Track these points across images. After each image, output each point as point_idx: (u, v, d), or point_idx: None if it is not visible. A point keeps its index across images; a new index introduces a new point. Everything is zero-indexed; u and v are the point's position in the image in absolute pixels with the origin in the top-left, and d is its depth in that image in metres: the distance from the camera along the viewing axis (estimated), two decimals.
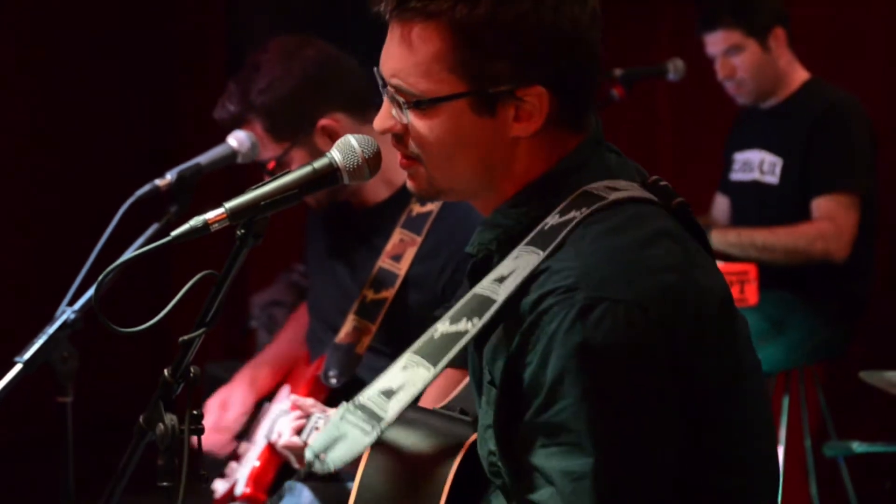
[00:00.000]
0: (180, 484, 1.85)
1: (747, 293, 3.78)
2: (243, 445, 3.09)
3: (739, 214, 4.51)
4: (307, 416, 2.75)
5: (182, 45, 6.07)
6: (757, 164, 4.39)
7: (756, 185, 4.39)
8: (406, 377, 1.77)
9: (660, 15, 5.29)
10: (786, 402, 4.29)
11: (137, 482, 2.07)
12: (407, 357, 1.79)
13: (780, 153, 4.32)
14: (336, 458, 1.76)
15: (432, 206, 2.99)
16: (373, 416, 1.76)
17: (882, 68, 4.85)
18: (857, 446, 3.80)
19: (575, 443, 1.71)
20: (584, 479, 1.70)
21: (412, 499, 1.91)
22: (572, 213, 1.79)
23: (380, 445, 1.97)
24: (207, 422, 3.00)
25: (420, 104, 1.83)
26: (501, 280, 1.77)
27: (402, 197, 3.00)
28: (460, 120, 1.83)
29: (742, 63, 4.33)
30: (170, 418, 1.88)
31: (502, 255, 1.83)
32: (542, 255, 1.76)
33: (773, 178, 4.33)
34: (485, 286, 1.79)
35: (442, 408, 2.18)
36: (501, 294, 1.76)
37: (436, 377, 1.77)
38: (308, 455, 1.79)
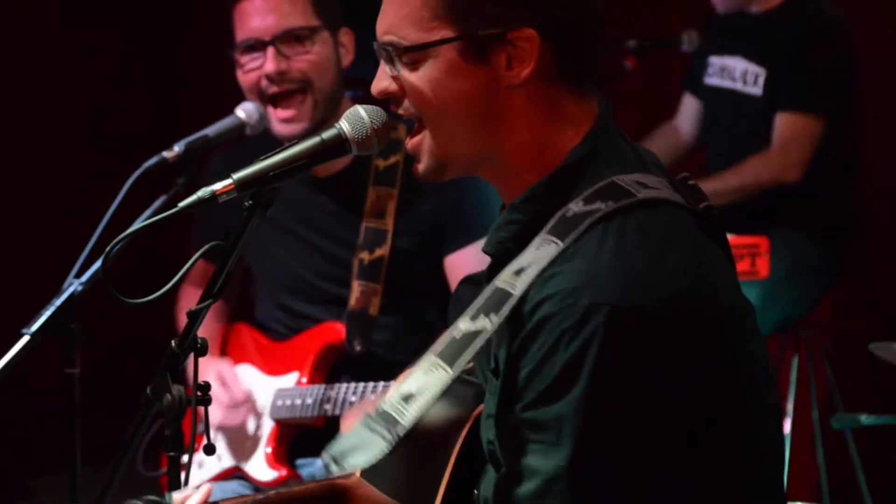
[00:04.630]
0: (189, 453, 1.85)
1: (759, 266, 3.77)
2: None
3: (712, 122, 4.46)
4: None
5: (189, 14, 6.06)
6: (739, 74, 4.33)
7: (734, 95, 4.33)
8: (426, 381, 1.77)
9: None
10: (793, 374, 4.29)
11: (144, 451, 2.07)
12: (429, 360, 1.79)
13: (764, 63, 4.26)
14: (354, 464, 1.78)
15: (397, 157, 3.00)
16: (391, 422, 1.76)
17: None
18: (865, 418, 3.80)
19: (555, 443, 1.70)
20: (559, 480, 1.70)
21: (421, 464, 1.91)
22: (597, 204, 1.76)
23: None
24: (221, 400, 3.03)
25: (410, 50, 1.82)
26: (520, 272, 1.76)
27: (363, 156, 2.99)
28: (452, 68, 1.81)
29: None
30: (177, 389, 1.88)
31: (521, 249, 1.80)
32: (560, 245, 1.74)
33: (755, 90, 4.27)
34: (504, 279, 1.77)
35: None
36: (519, 287, 1.75)
37: (454, 379, 1.76)
38: (325, 458, 1.80)
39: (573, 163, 1.82)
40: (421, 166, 1.89)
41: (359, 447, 1.77)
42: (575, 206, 1.77)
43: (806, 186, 4.17)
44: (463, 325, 1.78)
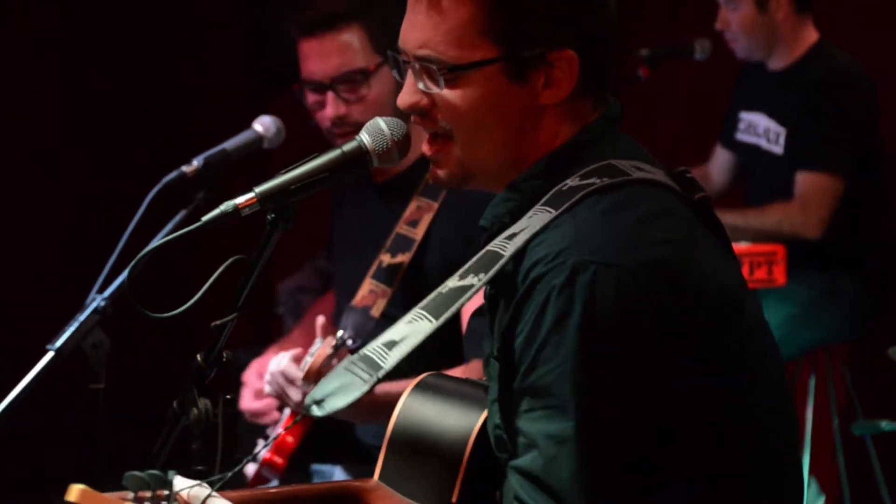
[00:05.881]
0: (215, 467, 1.86)
1: (776, 273, 3.78)
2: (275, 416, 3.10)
3: (748, 175, 4.51)
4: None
5: (203, 24, 6.08)
6: (762, 131, 4.37)
7: (759, 151, 4.37)
8: (409, 329, 1.79)
9: None
10: (812, 382, 4.29)
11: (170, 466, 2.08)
12: (414, 312, 1.81)
13: (784, 122, 4.30)
14: (334, 405, 1.78)
15: None
16: (372, 365, 1.78)
17: None
18: (885, 425, 3.80)
19: (558, 406, 1.71)
20: (566, 442, 1.70)
21: (437, 465, 1.92)
22: (593, 179, 1.79)
23: (408, 411, 1.99)
24: (248, 390, 3.03)
25: (454, 70, 1.82)
26: (512, 237, 1.78)
27: (419, 166, 2.97)
28: (492, 87, 1.82)
29: (736, 18, 4.32)
30: (203, 403, 1.89)
31: (515, 223, 1.83)
32: (553, 213, 1.77)
33: (777, 149, 4.31)
34: (496, 243, 1.80)
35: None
36: (510, 249, 1.77)
37: (437, 329, 1.78)
38: (307, 400, 1.80)
39: (573, 144, 1.85)
40: (443, 172, 1.90)
41: (340, 390, 1.78)
42: (571, 182, 1.80)
43: (833, 234, 4.21)
44: (451, 282, 1.81)
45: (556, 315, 1.70)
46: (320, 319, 2.95)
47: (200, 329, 2.18)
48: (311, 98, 3.05)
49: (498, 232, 1.84)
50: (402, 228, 3.02)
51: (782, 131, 4.30)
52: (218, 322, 1.90)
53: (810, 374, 4.31)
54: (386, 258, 3.02)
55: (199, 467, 1.88)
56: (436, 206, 2.98)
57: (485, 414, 1.93)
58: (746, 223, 4.12)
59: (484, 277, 1.77)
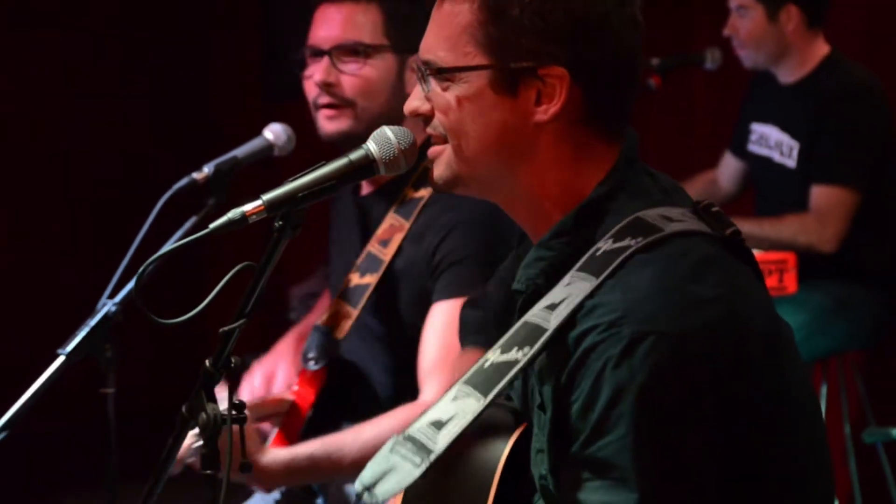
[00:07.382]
0: (224, 471, 1.87)
1: (786, 281, 3.77)
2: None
3: (760, 186, 4.53)
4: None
5: (217, 33, 6.10)
6: (774, 143, 4.38)
7: (774, 166, 4.37)
8: (456, 408, 1.77)
9: (697, 3, 5.29)
10: (824, 388, 4.29)
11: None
12: (457, 388, 1.79)
13: (797, 136, 4.30)
14: (385, 491, 1.77)
15: (424, 192, 2.92)
16: (422, 449, 1.76)
17: None
18: None
19: (620, 478, 1.69)
20: None
21: (463, 487, 1.92)
22: (627, 241, 1.77)
23: None
24: (256, 393, 3.02)
25: (443, 71, 1.85)
26: (553, 308, 1.76)
27: (400, 179, 2.91)
28: (481, 95, 1.84)
29: (745, 26, 4.32)
30: (212, 407, 1.90)
31: (550, 285, 1.81)
32: (595, 281, 1.75)
33: (791, 162, 4.31)
34: (536, 314, 1.78)
35: None
36: (553, 322, 1.75)
37: (486, 408, 1.76)
38: (357, 487, 1.79)
39: (597, 198, 1.84)
40: (436, 173, 1.91)
41: (389, 474, 1.77)
42: (605, 245, 1.78)
43: (848, 243, 4.21)
44: (492, 356, 1.78)
45: (615, 386, 1.69)
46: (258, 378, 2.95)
47: (209, 335, 2.20)
48: (310, 65, 2.96)
49: (533, 295, 1.83)
50: (373, 247, 2.94)
51: (795, 145, 4.30)
52: (226, 328, 1.91)
53: (822, 382, 4.31)
54: (354, 278, 2.96)
55: (208, 472, 1.89)
56: (407, 225, 2.90)
57: (511, 440, 1.94)
58: (762, 232, 4.12)
59: (529, 352, 1.74)
